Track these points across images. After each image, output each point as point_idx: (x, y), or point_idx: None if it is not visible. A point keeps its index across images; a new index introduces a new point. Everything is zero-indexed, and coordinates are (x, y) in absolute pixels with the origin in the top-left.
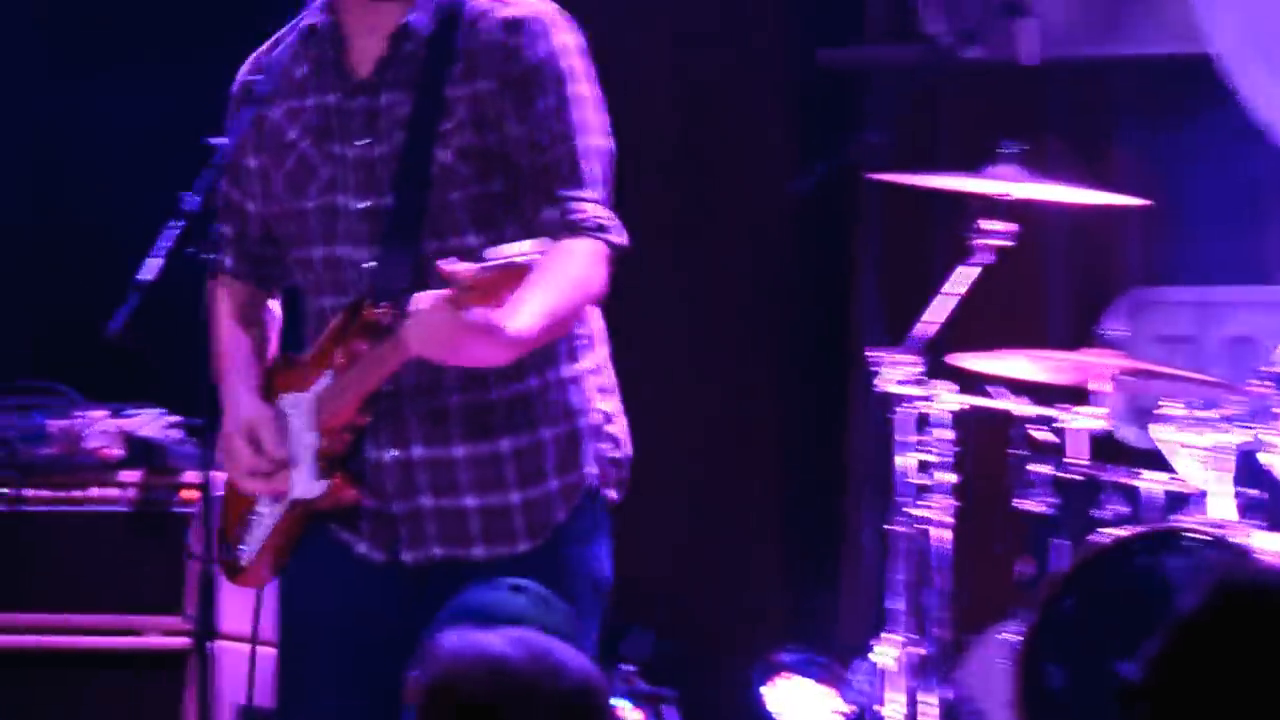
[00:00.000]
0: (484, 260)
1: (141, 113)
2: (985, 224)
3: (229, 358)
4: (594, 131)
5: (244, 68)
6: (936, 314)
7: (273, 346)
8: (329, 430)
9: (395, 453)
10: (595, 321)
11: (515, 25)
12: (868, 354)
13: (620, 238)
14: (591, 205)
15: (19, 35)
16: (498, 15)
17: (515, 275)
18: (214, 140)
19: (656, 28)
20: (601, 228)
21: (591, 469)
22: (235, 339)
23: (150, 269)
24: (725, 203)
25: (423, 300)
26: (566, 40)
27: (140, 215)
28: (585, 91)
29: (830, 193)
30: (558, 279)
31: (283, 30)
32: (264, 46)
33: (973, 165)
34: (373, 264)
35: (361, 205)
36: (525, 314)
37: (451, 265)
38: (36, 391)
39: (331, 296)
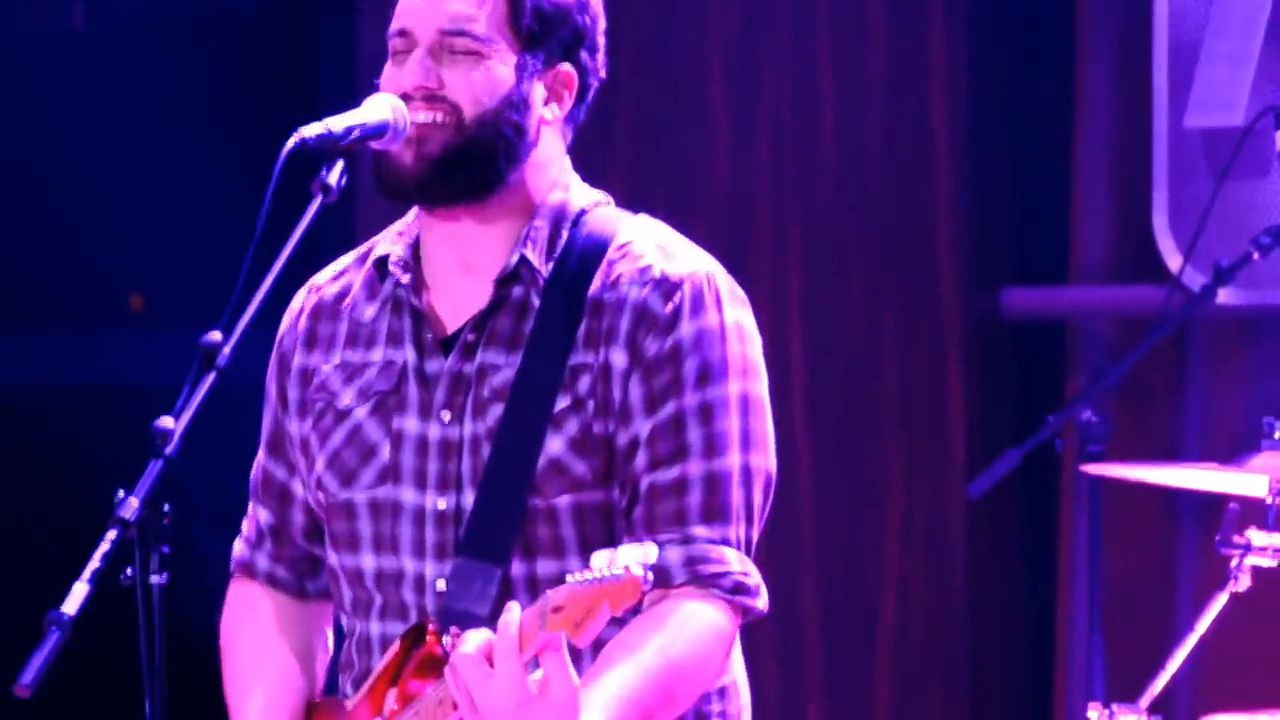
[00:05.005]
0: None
1: None
2: (1245, 536)
3: (244, 684)
4: (751, 447)
5: (299, 298)
6: (1177, 658)
7: (318, 683)
8: None
9: None
10: (738, 699)
11: (667, 286)
12: (1088, 714)
13: (760, 602)
14: (731, 553)
15: None
16: (644, 264)
17: (607, 597)
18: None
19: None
20: (739, 588)
21: None
22: (259, 660)
23: (74, 599)
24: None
25: (468, 642)
26: (731, 317)
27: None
28: (741, 390)
29: (1022, 493)
30: (654, 661)
31: (349, 256)
32: (324, 273)
33: (1228, 454)
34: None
35: (439, 505)
36: (601, 705)
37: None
38: None
39: (385, 622)
